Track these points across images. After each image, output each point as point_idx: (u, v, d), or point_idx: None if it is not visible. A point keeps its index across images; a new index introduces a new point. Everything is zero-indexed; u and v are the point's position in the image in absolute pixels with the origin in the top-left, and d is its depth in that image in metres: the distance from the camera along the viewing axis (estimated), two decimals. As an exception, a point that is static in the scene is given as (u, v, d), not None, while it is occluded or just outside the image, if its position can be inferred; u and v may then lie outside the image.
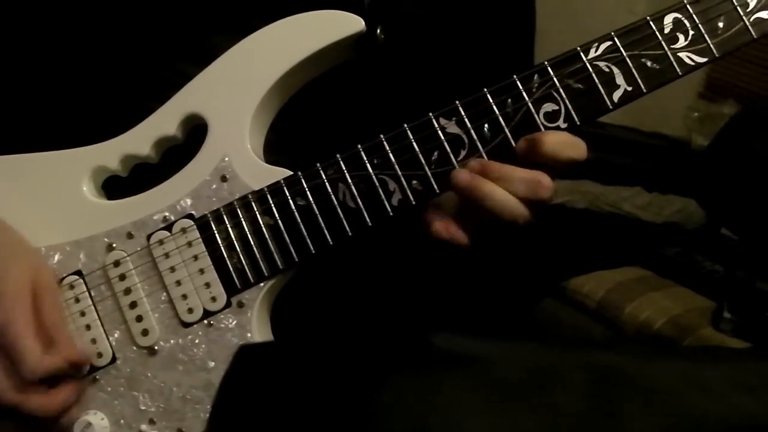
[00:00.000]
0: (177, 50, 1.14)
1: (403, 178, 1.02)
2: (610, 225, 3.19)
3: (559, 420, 0.62)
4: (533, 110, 1.00)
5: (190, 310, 1.06)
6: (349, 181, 1.03)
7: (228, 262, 1.06)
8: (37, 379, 0.99)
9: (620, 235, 3.18)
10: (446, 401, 0.63)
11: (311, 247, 1.04)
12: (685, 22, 0.97)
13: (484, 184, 0.99)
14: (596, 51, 0.98)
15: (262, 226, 1.05)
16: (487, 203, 0.99)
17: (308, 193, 1.04)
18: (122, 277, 1.08)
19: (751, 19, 0.96)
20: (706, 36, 0.97)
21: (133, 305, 1.08)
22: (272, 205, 1.05)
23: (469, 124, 1.01)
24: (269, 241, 1.05)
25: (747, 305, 2.46)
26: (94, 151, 1.11)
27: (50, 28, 1.18)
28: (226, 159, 1.07)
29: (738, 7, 0.96)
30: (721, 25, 0.96)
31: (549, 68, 0.99)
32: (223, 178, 1.07)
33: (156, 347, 1.07)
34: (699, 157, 3.28)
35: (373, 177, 1.03)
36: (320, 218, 1.04)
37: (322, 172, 1.04)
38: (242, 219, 1.06)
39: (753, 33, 0.96)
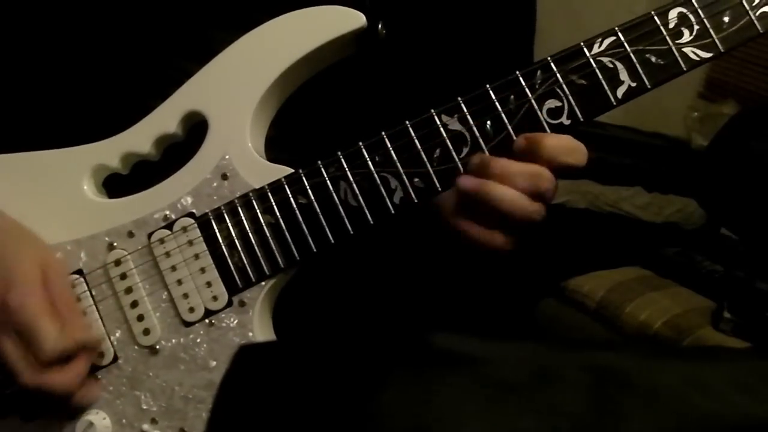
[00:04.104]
0: (177, 46, 1.14)
1: (404, 176, 1.02)
2: (610, 225, 3.19)
3: (559, 420, 0.62)
4: (536, 107, 0.99)
5: (192, 309, 1.06)
6: (351, 179, 1.03)
7: (229, 260, 1.05)
8: (55, 358, 0.99)
9: (620, 235, 3.19)
10: (446, 401, 0.63)
11: (312, 246, 1.04)
12: (690, 16, 0.96)
13: (491, 186, 0.99)
14: (600, 46, 0.98)
15: (263, 224, 1.05)
16: (498, 205, 0.99)
17: (309, 191, 1.04)
18: (123, 276, 1.08)
19: (757, 14, 0.95)
20: (711, 31, 0.96)
21: (135, 304, 1.07)
22: (273, 203, 1.05)
23: (471, 121, 1.00)
24: (270, 240, 1.04)
25: (747, 305, 2.47)
26: (94, 150, 1.10)
27: (49, 25, 1.18)
28: (227, 157, 1.06)
29: (744, 2, 0.95)
30: (726, 19, 0.96)
31: (552, 64, 0.99)
32: (224, 176, 1.06)
33: (157, 346, 1.07)
34: (699, 157, 3.28)
35: (375, 175, 1.02)
36: (321, 216, 1.03)
37: (323, 169, 1.03)
38: (243, 217, 1.05)
39: (759, 27, 0.95)
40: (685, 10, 0.96)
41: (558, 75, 0.98)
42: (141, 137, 1.09)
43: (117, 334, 1.08)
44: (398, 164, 1.02)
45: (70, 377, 1.02)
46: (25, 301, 0.99)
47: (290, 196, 1.04)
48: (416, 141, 1.01)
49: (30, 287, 1.01)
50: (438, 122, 1.01)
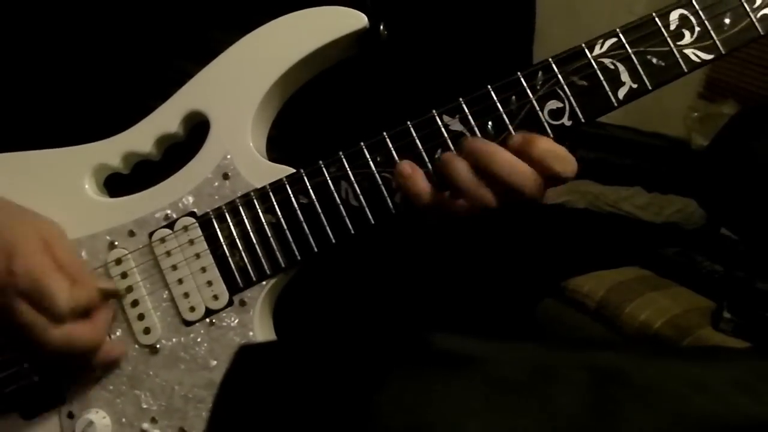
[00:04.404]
0: (178, 47, 1.14)
1: None
2: (610, 225, 3.19)
3: (558, 420, 0.62)
4: (537, 108, 0.99)
5: (192, 309, 1.06)
6: (352, 178, 1.03)
7: (230, 260, 1.05)
8: (71, 313, 0.99)
9: (620, 235, 3.19)
10: (445, 401, 0.63)
11: (313, 246, 1.04)
12: (691, 18, 0.96)
13: (456, 160, 0.98)
14: (601, 48, 0.98)
15: (265, 224, 1.05)
16: (454, 181, 0.98)
17: (311, 191, 1.04)
18: (124, 275, 1.08)
19: (758, 15, 0.95)
20: (712, 32, 0.96)
21: (135, 303, 1.07)
22: (274, 203, 1.05)
23: (472, 122, 1.00)
24: (271, 240, 1.05)
25: (747, 305, 2.47)
26: (95, 149, 1.10)
27: (51, 26, 1.18)
28: (228, 157, 1.06)
29: (744, 3, 0.95)
30: (727, 21, 0.96)
31: (553, 65, 0.99)
32: (225, 176, 1.06)
33: (158, 346, 1.07)
34: (699, 157, 3.29)
35: (376, 175, 1.02)
36: (323, 216, 1.03)
37: (324, 169, 1.03)
38: (244, 217, 1.05)
39: (760, 29, 0.95)
40: (686, 12, 0.96)
41: (559, 76, 0.98)
42: (142, 137, 1.09)
43: (117, 333, 1.08)
44: None
45: (94, 328, 1.02)
46: (30, 265, 0.99)
47: (291, 195, 1.04)
48: (417, 141, 1.01)
49: (33, 252, 1.00)
50: (439, 122, 1.01)
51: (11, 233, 1.01)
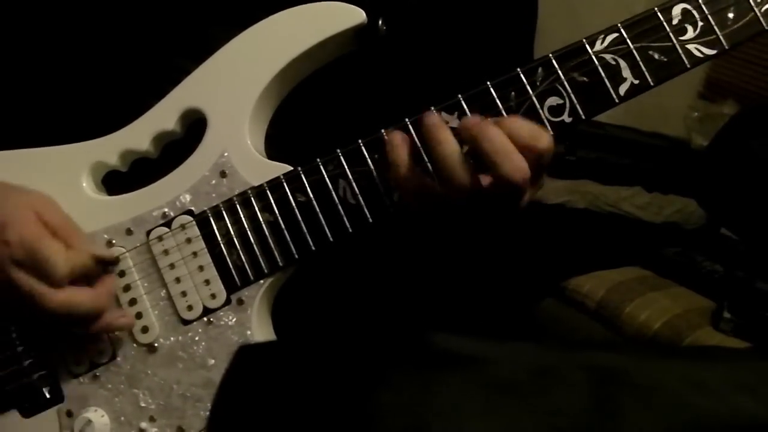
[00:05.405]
0: (175, 44, 1.13)
1: None
2: (610, 225, 3.19)
3: (559, 420, 0.62)
4: (537, 104, 0.98)
5: (190, 308, 1.06)
6: (350, 177, 1.02)
7: (227, 259, 1.05)
8: (70, 276, 0.99)
9: (620, 235, 3.18)
10: (445, 401, 0.63)
11: (311, 244, 1.03)
12: (694, 12, 0.95)
13: (490, 127, 0.94)
14: (602, 43, 0.97)
15: (262, 222, 1.04)
16: (486, 146, 0.93)
17: (308, 188, 1.03)
18: (121, 274, 1.07)
19: (763, 9, 0.94)
20: (715, 27, 0.95)
21: (133, 302, 1.07)
22: (272, 201, 1.04)
23: None
24: (269, 238, 1.04)
25: (747, 305, 2.47)
26: (93, 147, 1.10)
27: (49, 24, 1.18)
28: (226, 154, 1.06)
29: (749, -3, 0.95)
30: (731, 15, 0.95)
31: (554, 61, 0.98)
32: (223, 174, 1.06)
33: (156, 344, 1.07)
34: (699, 157, 3.28)
35: (374, 173, 1.02)
36: (320, 214, 1.03)
37: (322, 167, 1.03)
38: (241, 215, 1.05)
39: (764, 24, 0.94)
40: (689, 7, 0.95)
41: (560, 72, 0.98)
42: (140, 134, 1.09)
43: (115, 332, 1.08)
44: None
45: (96, 294, 1.03)
46: (25, 232, 0.99)
47: (289, 193, 1.04)
48: (416, 139, 1.00)
49: (25, 220, 1.00)
50: (438, 120, 1.00)
51: (2, 206, 1.02)
